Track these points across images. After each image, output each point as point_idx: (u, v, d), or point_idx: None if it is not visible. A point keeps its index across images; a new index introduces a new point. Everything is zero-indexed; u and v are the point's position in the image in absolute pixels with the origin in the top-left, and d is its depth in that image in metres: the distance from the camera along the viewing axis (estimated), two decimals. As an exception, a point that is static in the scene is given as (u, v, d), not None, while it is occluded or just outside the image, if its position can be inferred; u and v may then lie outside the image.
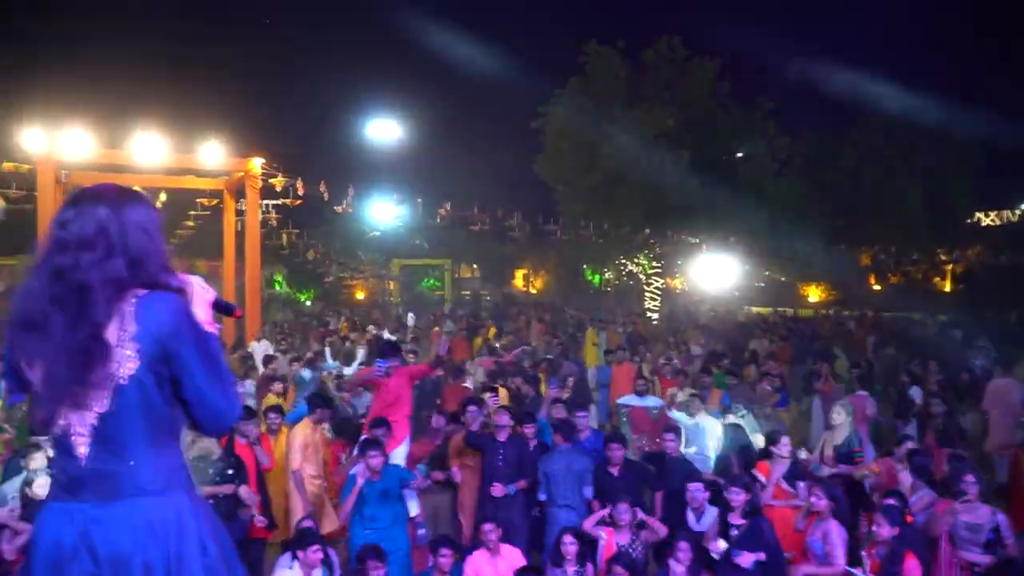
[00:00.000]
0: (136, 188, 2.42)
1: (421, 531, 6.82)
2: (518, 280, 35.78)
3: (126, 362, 2.11)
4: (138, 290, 2.16)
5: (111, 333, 2.11)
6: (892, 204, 27.48)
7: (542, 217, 26.41)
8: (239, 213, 19.54)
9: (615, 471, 7.03)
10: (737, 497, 6.02)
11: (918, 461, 6.66)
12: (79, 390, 2.11)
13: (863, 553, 5.62)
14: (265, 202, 19.80)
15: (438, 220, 23.50)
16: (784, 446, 7.01)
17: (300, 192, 18.85)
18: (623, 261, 25.86)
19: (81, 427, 2.15)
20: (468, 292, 33.99)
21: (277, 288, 31.23)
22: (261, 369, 12.07)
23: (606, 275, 29.82)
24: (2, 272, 32.37)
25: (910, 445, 7.31)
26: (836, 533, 5.87)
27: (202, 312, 2.28)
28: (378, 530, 6.13)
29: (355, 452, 6.98)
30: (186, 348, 2.16)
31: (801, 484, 6.58)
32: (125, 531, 2.14)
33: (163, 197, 20.78)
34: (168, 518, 2.18)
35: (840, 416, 7.84)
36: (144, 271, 2.18)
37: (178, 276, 2.27)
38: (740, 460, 7.49)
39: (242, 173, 17.57)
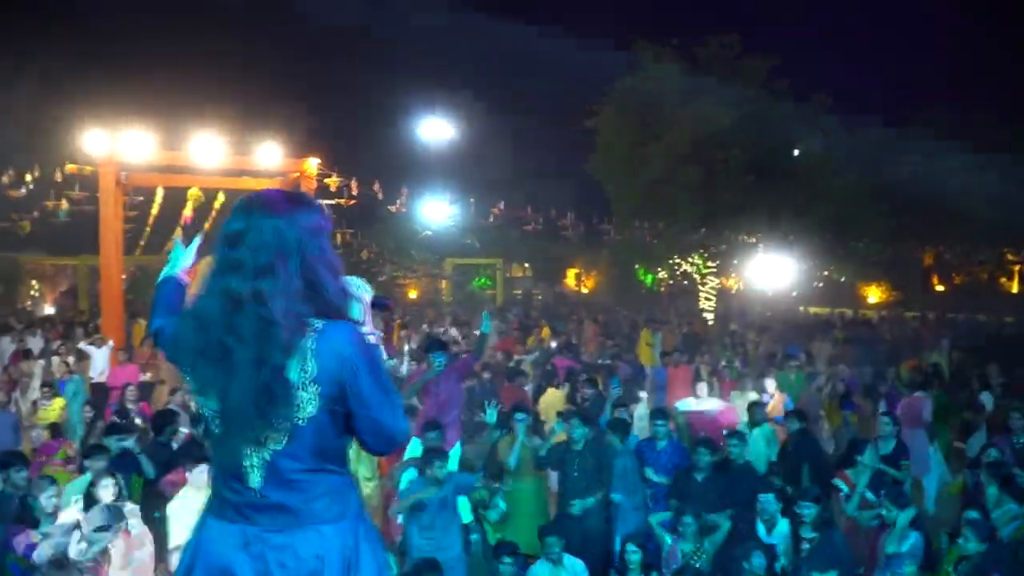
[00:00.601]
0: (304, 192, 2.34)
1: (474, 536, 6.70)
2: (569, 279, 35.54)
3: (306, 405, 2.06)
4: (315, 322, 2.08)
5: (292, 372, 2.04)
6: (957, 202, 26.55)
7: (595, 216, 26.17)
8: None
9: (699, 476, 6.85)
10: (808, 512, 5.78)
11: (1004, 473, 6.31)
12: (260, 429, 2.06)
13: (949, 568, 5.32)
14: (320, 202, 19.94)
15: (490, 219, 23.45)
16: (870, 455, 6.72)
17: (354, 192, 18.94)
18: (677, 261, 25.47)
19: (255, 461, 2.10)
20: (519, 291, 33.89)
21: (331, 287, 31.55)
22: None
23: (659, 275, 29.38)
24: (65, 272, 33.38)
25: (994, 455, 6.95)
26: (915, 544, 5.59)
27: (368, 322, 2.24)
28: (435, 538, 6.03)
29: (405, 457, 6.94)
30: (363, 382, 2.09)
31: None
32: (304, 556, 2.09)
33: (221, 198, 21.12)
34: (347, 544, 2.14)
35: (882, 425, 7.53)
36: (321, 296, 2.11)
37: (350, 291, 2.20)
38: (813, 470, 7.21)
39: (298, 174, 17.73)
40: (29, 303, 30.39)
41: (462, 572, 6.17)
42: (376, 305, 2.29)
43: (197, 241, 2.69)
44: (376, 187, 19.26)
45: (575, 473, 6.90)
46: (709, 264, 24.49)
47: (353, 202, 19.71)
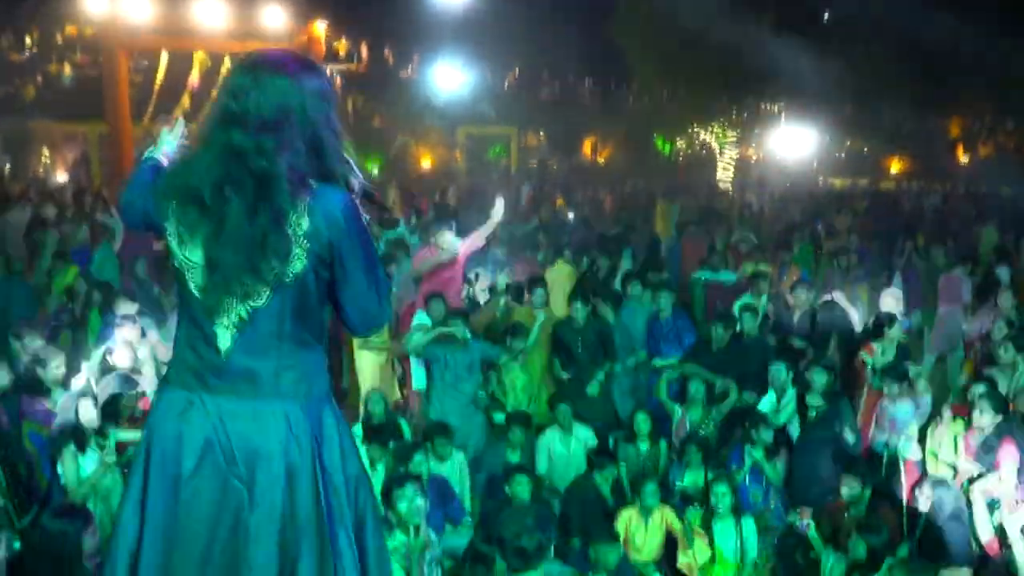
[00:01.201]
0: (310, 57, 2.22)
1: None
2: (586, 149, 34.85)
3: (295, 260, 1.97)
4: (313, 183, 2.02)
5: (288, 224, 1.97)
6: (990, 69, 25.43)
7: (613, 83, 25.32)
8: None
9: (713, 348, 6.87)
10: (818, 379, 5.79)
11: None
12: (247, 282, 1.96)
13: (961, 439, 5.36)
14: (328, 67, 19.38)
15: (505, 87, 22.76)
16: (898, 329, 6.67)
17: (364, 57, 18.33)
18: (697, 130, 24.84)
19: (230, 319, 2.00)
20: (534, 161, 33.32)
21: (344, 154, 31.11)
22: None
23: (678, 145, 28.75)
24: (75, 139, 33.03)
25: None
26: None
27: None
28: (458, 400, 6.12)
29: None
30: (353, 251, 2.03)
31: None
32: (267, 430, 2.00)
33: (227, 62, 20.55)
34: (313, 423, 2.05)
35: (890, 302, 7.40)
36: (323, 160, 2.05)
37: (351, 165, 2.11)
38: (840, 340, 7.17)
39: (305, 37, 17.16)
40: (41, 171, 30.26)
41: (480, 439, 6.30)
42: (366, 196, 2.19)
43: (181, 125, 2.55)
44: (387, 52, 18.60)
45: (579, 349, 6.92)
46: (729, 133, 23.88)
47: (363, 67, 19.12)
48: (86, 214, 14.79)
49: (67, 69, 21.02)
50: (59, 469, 4.92)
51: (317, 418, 2.07)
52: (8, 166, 26.14)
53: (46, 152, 32.37)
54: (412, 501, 4.28)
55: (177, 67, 19.68)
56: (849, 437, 5.60)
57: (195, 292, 2.02)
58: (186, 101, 23.81)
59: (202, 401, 2.01)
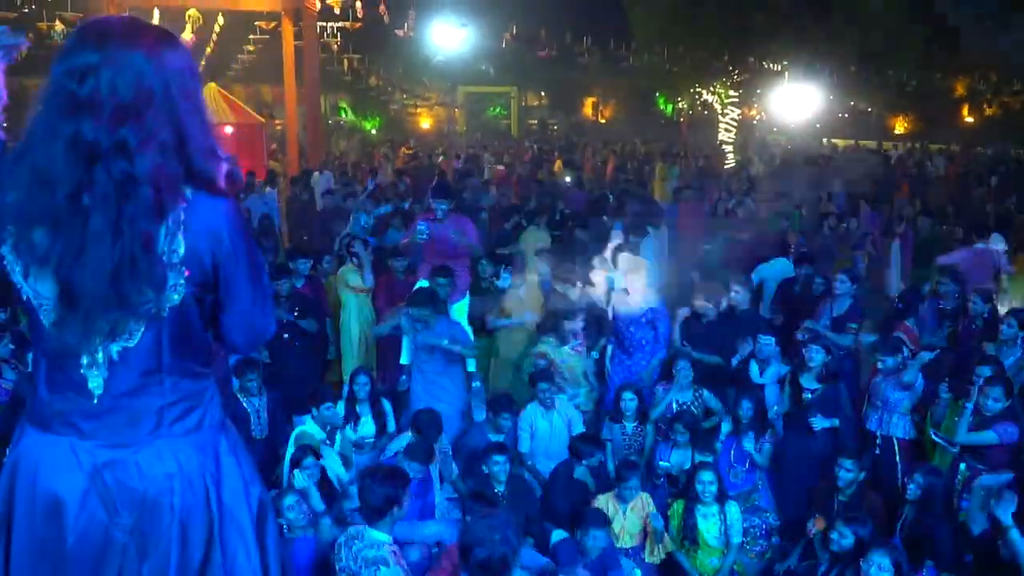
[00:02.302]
0: (164, 27, 1.79)
1: (476, 383, 6.70)
2: (587, 109, 34.41)
3: (171, 289, 1.68)
4: (187, 188, 1.70)
5: (160, 245, 1.65)
6: (993, 29, 24.96)
7: (613, 42, 24.87)
8: (298, 37, 18.85)
9: (703, 321, 6.73)
10: (816, 357, 5.62)
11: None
12: (115, 318, 1.65)
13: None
14: (324, 24, 19.00)
15: (503, 45, 22.35)
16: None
17: (360, 15, 17.94)
18: (698, 89, 24.44)
19: (98, 357, 1.70)
20: (535, 121, 32.93)
21: (343, 116, 30.72)
22: (319, 203, 11.96)
23: (679, 105, 28.34)
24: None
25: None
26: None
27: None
28: (443, 389, 6.02)
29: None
30: (239, 270, 1.77)
31: None
32: (152, 474, 1.75)
33: (220, 20, 20.16)
34: (206, 460, 1.82)
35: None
36: (190, 155, 1.68)
37: (221, 159, 1.75)
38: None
39: (298, -7, 16.77)
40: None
41: (463, 425, 6.20)
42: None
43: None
44: (382, 9, 18.22)
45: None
46: (731, 93, 23.51)
47: (359, 25, 18.73)
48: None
49: (58, 26, 20.62)
50: None
51: (212, 452, 1.83)
52: (5, 125, 25.87)
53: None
54: None
55: (170, 25, 19.35)
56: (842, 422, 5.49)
57: (51, 331, 1.69)
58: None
59: (74, 448, 1.74)
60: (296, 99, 18.71)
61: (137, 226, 1.60)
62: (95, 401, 1.73)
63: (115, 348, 1.71)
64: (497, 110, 32.58)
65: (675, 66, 23.71)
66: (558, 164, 16.92)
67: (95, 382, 1.72)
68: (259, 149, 20.06)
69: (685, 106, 27.32)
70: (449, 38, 22.07)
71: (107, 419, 1.75)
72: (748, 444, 5.46)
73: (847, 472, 4.83)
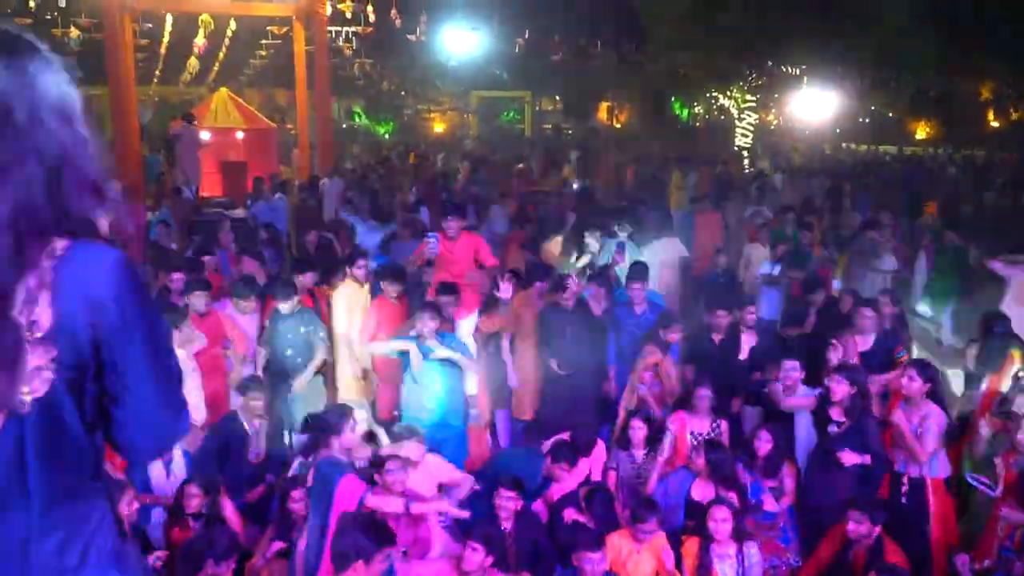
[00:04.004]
0: (34, 40, 1.38)
1: (474, 411, 6.41)
2: (602, 113, 34.13)
3: (32, 378, 1.27)
4: (56, 239, 1.29)
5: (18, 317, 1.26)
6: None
7: (627, 45, 24.54)
8: (310, 42, 18.73)
9: (716, 339, 6.42)
10: (839, 387, 5.21)
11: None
12: None
13: (996, 460, 4.88)
14: (335, 29, 18.86)
15: (516, 49, 22.11)
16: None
17: (371, 20, 17.77)
18: (715, 94, 24.10)
19: None
20: (549, 125, 32.67)
21: (356, 121, 30.61)
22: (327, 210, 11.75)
23: (695, 109, 28.02)
24: (91, 102, 32.84)
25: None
26: (935, 419, 5.11)
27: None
28: (439, 412, 5.76)
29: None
30: (133, 348, 1.34)
31: None
32: None
33: (233, 26, 20.08)
34: None
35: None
36: (65, 193, 1.31)
37: (108, 196, 1.37)
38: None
39: (309, -2, 16.62)
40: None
41: (462, 448, 5.94)
42: None
43: None
44: (394, 13, 18.02)
45: (565, 336, 6.41)
46: (749, 97, 23.15)
47: (370, 30, 18.56)
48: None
49: (74, 32, 20.63)
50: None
51: None
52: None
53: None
54: None
55: (182, 30, 19.27)
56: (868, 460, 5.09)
57: None
58: (194, 64, 23.48)
59: None
60: (307, 104, 18.59)
61: None
62: None
63: None
64: (511, 115, 32.38)
65: (691, 70, 23.37)
66: (568, 169, 16.60)
67: None
68: (270, 154, 19.99)
69: (701, 111, 26.98)
70: (461, 42, 21.87)
71: None
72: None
73: (857, 524, 4.48)
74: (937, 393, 5.34)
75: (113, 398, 1.37)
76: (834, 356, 5.67)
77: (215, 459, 5.73)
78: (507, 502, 4.77)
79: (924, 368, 5.18)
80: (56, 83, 1.34)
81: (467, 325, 6.70)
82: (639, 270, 7.08)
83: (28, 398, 1.27)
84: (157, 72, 25.14)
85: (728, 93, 23.62)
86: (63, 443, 1.34)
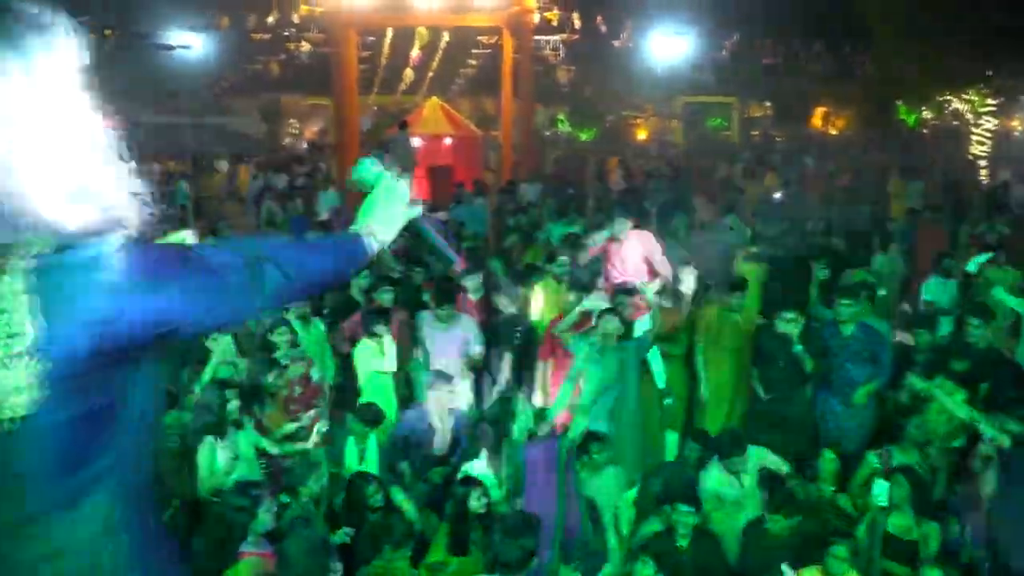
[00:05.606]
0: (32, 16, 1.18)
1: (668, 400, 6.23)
2: (816, 119, 32.23)
3: (12, 396, 1.15)
4: (37, 239, 1.17)
5: None
6: None
7: (847, 46, 23.02)
8: (517, 50, 19.20)
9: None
10: None
11: None
12: None
13: None
14: (541, 38, 19.19)
15: (723, 52, 21.43)
16: None
17: (576, 26, 17.93)
18: (947, 97, 22.00)
19: None
20: (757, 132, 31.36)
21: (560, 128, 31.03)
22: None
23: (923, 114, 25.72)
24: (319, 111, 35.70)
25: None
26: None
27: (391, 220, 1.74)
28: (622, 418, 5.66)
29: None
30: (167, 299, 1.25)
31: None
32: None
33: (446, 37, 21.03)
34: None
35: None
36: (45, 191, 1.17)
37: (122, 177, 1.26)
38: None
39: (517, 8, 17.02)
40: (288, 140, 32.95)
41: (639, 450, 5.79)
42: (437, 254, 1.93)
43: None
44: (599, 20, 18.05)
45: (780, 364, 6.07)
46: (988, 101, 20.90)
47: (575, 37, 18.72)
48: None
49: (304, 47, 22.55)
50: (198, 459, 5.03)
51: None
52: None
53: (294, 123, 35.35)
54: None
55: (399, 43, 20.45)
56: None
57: None
58: (409, 75, 24.86)
59: None
60: (512, 111, 19.06)
61: None
62: None
63: None
64: (717, 121, 31.42)
65: (919, 71, 21.46)
66: (770, 177, 15.75)
67: None
68: (476, 160, 20.68)
69: (930, 115, 24.75)
70: (667, 47, 21.50)
71: None
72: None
73: None
74: None
75: (170, 332, 1.28)
76: None
77: (400, 449, 5.98)
78: (686, 517, 4.58)
79: None
80: (56, 54, 1.19)
81: (643, 324, 6.57)
82: (851, 286, 6.58)
83: (8, 417, 1.16)
84: (376, 83, 26.85)
85: (963, 96, 21.47)
86: (54, 459, 1.22)
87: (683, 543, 4.61)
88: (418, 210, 1.83)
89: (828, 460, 5.10)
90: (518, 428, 5.20)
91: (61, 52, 1.21)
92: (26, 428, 1.17)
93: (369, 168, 1.93)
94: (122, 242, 1.23)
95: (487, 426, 5.26)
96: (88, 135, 1.22)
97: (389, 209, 1.78)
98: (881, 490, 4.52)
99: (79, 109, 1.22)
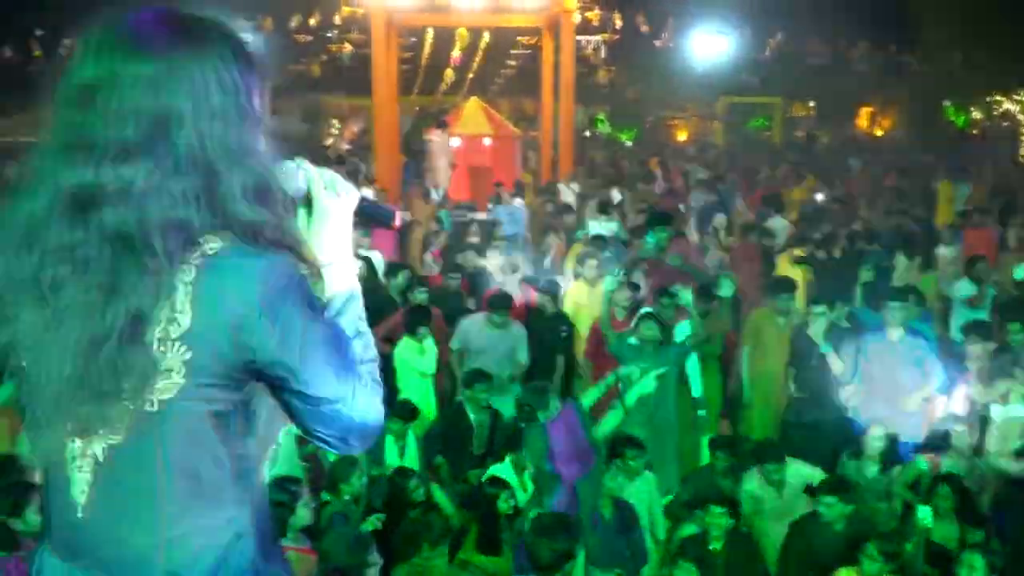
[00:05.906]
0: (217, 19, 1.32)
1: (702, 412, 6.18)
2: (862, 120, 31.65)
3: (161, 378, 1.24)
4: (210, 239, 1.26)
5: (153, 323, 1.23)
6: None
7: (895, 45, 22.59)
8: (557, 50, 19.15)
9: None
10: None
11: None
12: (91, 409, 1.25)
13: None
14: (582, 38, 19.11)
15: (766, 52, 21.16)
16: None
17: (617, 26, 17.83)
18: (997, 97, 21.50)
19: (82, 457, 1.30)
20: (801, 133, 30.88)
21: (599, 128, 30.89)
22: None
23: (972, 114, 25.14)
24: (360, 114, 36.09)
25: None
26: None
27: (339, 234, 1.43)
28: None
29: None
30: (288, 345, 1.27)
31: None
32: None
33: (486, 38, 21.06)
34: None
35: None
36: (224, 196, 1.27)
37: (279, 203, 1.32)
38: None
39: (559, 8, 16.98)
40: (330, 140, 33.29)
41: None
42: (374, 219, 1.50)
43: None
44: (640, 20, 17.95)
45: (812, 363, 5.98)
46: (1040, 102, 20.40)
47: (616, 37, 18.64)
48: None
49: (346, 48, 22.74)
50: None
51: None
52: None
53: (334, 122, 35.74)
54: None
55: (439, 44, 20.52)
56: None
57: (27, 414, 1.33)
58: (450, 75, 24.94)
59: None
60: (552, 111, 19.02)
61: (123, 301, 1.21)
62: (80, 515, 1.31)
63: (99, 446, 1.28)
64: (760, 121, 31.01)
65: (969, 71, 20.99)
66: (811, 180, 15.47)
67: (79, 491, 1.30)
68: (514, 160, 20.68)
69: (979, 116, 24.19)
70: (709, 47, 21.30)
71: (96, 546, 1.32)
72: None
73: None
74: None
75: (286, 397, 1.33)
76: None
77: (439, 446, 6.03)
78: (718, 519, 4.53)
79: None
80: (222, 75, 1.28)
81: (680, 330, 6.53)
82: (899, 289, 6.46)
83: (156, 397, 1.25)
84: (417, 84, 26.99)
85: (1015, 97, 20.98)
86: (196, 448, 1.30)
87: (716, 545, 4.57)
88: (357, 195, 1.48)
89: (875, 438, 5.01)
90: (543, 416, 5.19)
91: (250, 58, 1.34)
92: (169, 412, 1.27)
93: (289, 177, 1.42)
94: (290, 263, 1.31)
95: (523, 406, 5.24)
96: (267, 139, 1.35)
97: (327, 225, 1.44)
98: (925, 514, 4.43)
99: (264, 112, 1.36)
